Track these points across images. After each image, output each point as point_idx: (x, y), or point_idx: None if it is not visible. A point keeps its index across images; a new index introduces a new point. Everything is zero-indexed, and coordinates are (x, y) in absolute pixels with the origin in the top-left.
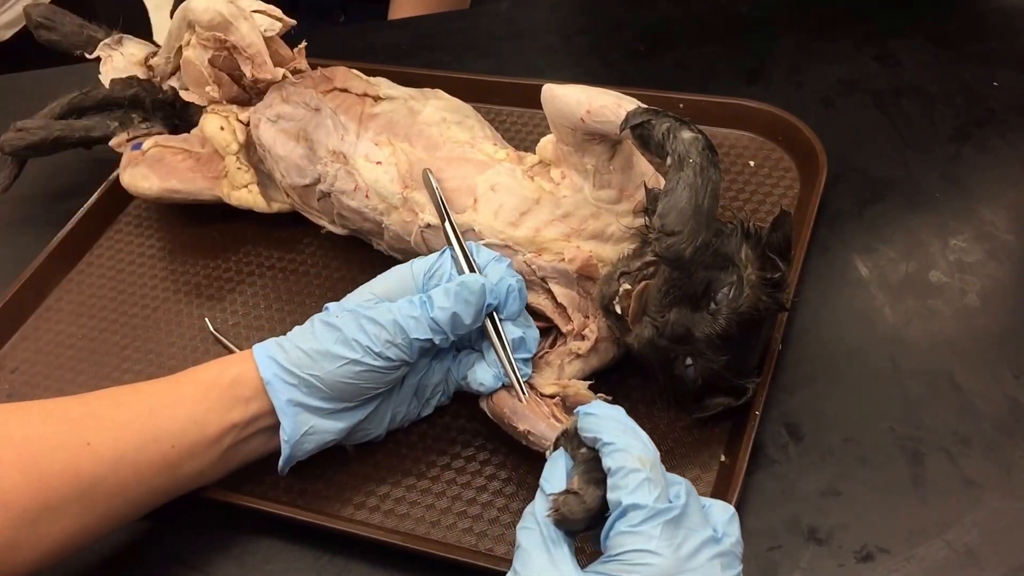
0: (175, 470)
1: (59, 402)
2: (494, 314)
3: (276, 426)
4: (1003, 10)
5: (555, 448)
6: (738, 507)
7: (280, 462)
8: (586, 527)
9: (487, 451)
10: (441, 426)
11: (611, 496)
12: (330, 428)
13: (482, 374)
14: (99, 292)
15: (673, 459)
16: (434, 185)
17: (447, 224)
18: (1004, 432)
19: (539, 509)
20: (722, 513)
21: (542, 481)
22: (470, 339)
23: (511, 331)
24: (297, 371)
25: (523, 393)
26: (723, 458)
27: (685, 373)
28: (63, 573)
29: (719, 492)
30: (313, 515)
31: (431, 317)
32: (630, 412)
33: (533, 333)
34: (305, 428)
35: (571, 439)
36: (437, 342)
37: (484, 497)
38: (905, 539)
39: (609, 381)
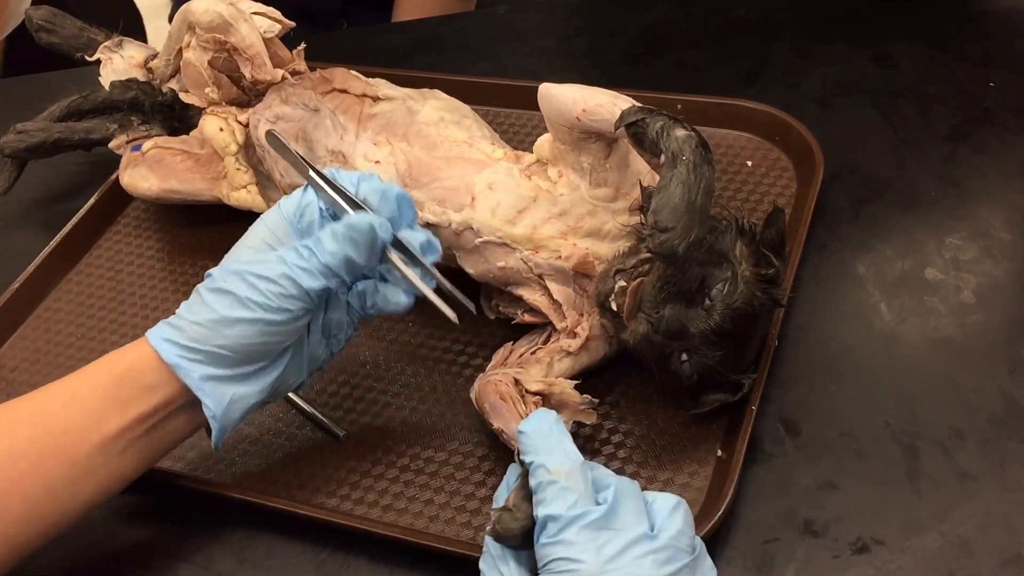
0: (76, 464)
1: None
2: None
3: (192, 404)
4: (999, 12)
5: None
6: (735, 501)
7: (212, 438)
8: (526, 543)
9: (485, 446)
10: (440, 421)
11: (535, 512)
12: (251, 391)
13: (392, 294)
14: (98, 292)
15: (670, 455)
16: (284, 141)
17: (310, 172)
18: (998, 426)
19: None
20: (664, 507)
21: (494, 497)
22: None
23: (414, 237)
24: (199, 346)
25: (449, 309)
26: (720, 453)
27: (681, 369)
28: (61, 568)
29: (716, 486)
30: (313, 510)
31: (323, 263)
32: (627, 409)
33: (429, 235)
34: (227, 399)
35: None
36: (334, 287)
37: (482, 492)
38: (900, 531)
39: (605, 378)
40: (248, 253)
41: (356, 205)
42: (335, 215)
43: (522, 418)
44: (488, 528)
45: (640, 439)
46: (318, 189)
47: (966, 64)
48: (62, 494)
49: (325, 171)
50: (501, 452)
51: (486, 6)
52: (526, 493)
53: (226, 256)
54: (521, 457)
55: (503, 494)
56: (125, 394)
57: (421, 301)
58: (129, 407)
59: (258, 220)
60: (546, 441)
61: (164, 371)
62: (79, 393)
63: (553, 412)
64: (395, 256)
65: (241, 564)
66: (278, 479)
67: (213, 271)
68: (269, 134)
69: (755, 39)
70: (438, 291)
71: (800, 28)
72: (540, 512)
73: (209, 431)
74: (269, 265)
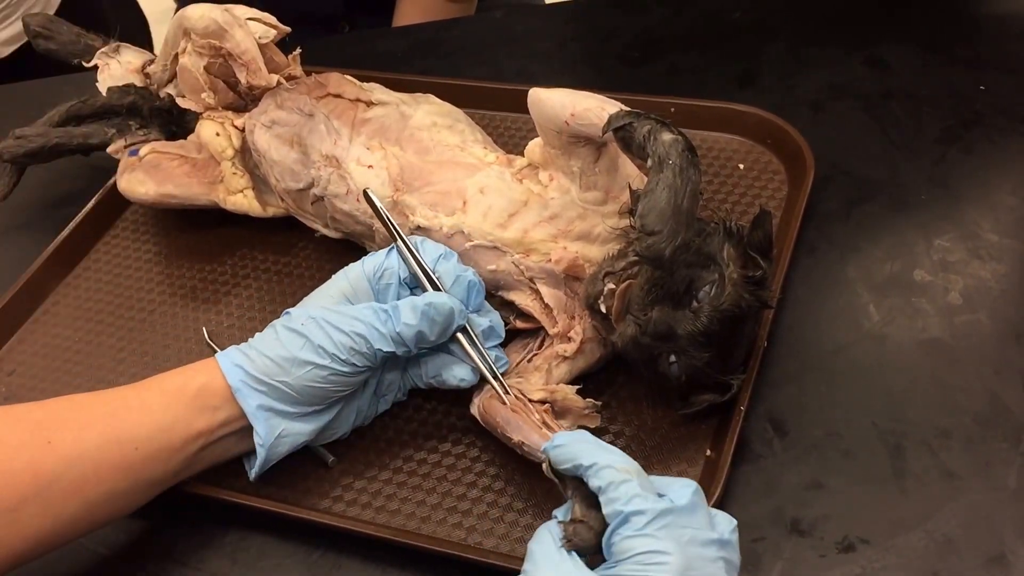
0: (137, 473)
1: (22, 407)
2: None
3: (244, 430)
4: (991, 15)
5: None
6: (723, 500)
7: (255, 467)
8: (598, 549)
9: (477, 447)
10: (432, 423)
11: (607, 510)
12: (301, 430)
13: (459, 371)
14: (96, 296)
15: (660, 454)
16: (378, 205)
17: (399, 241)
18: (984, 425)
19: (555, 532)
20: (726, 522)
21: (555, 512)
22: None
23: (478, 323)
24: (265, 378)
25: (504, 393)
26: (709, 453)
27: (669, 370)
28: (54, 571)
29: (705, 486)
30: (305, 511)
31: (396, 331)
32: (618, 410)
33: (496, 317)
34: (278, 431)
35: (554, 474)
36: (400, 354)
37: (474, 492)
38: (886, 530)
39: (596, 379)
40: (327, 300)
41: (430, 279)
42: (409, 284)
43: (538, 428)
44: (561, 541)
45: (630, 439)
46: (403, 257)
47: (957, 67)
48: (117, 502)
49: (412, 240)
50: (491, 454)
51: (484, 10)
52: (590, 502)
53: (305, 299)
54: (568, 465)
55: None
56: (194, 413)
57: None
58: (194, 424)
59: (340, 272)
60: (595, 445)
61: (228, 394)
62: (151, 407)
63: (578, 428)
64: (463, 337)
65: (233, 565)
66: (271, 480)
67: (292, 311)
68: (366, 194)
69: (749, 43)
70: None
71: (793, 32)
72: (619, 508)
73: (250, 463)
74: (345, 319)
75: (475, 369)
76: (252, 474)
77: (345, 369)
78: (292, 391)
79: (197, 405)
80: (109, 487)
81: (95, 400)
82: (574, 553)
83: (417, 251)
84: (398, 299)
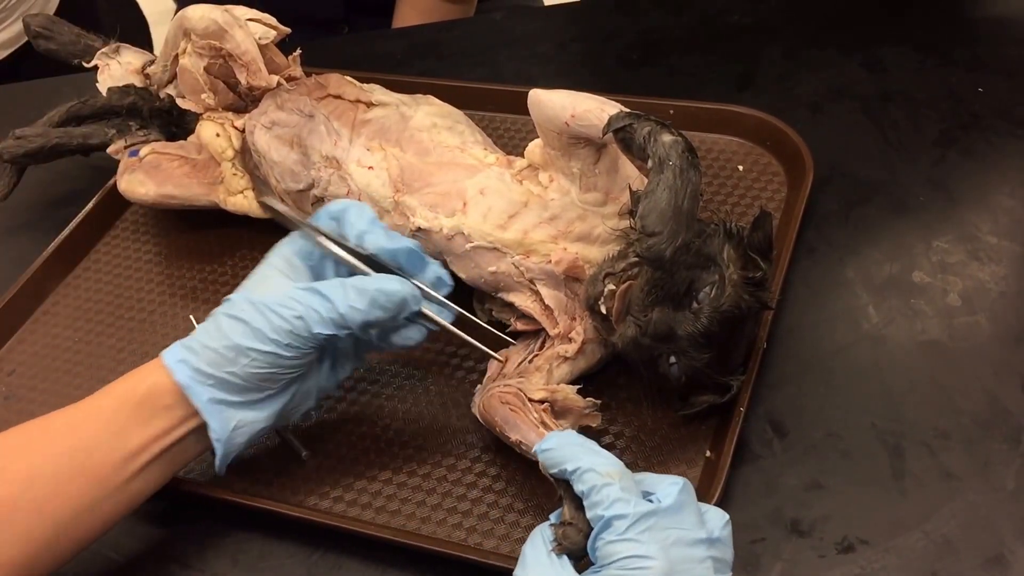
0: (101, 483)
1: None
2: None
3: (204, 426)
4: (988, 18)
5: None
6: (723, 501)
7: (216, 462)
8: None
9: (477, 448)
10: (433, 423)
11: (591, 514)
12: (256, 418)
13: (409, 332)
14: (96, 296)
15: (660, 455)
16: (281, 210)
17: (318, 238)
18: (982, 427)
19: (547, 535)
20: (717, 518)
21: (551, 514)
22: None
23: (424, 280)
24: (212, 370)
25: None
26: (709, 453)
27: (669, 371)
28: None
29: (704, 487)
30: (305, 511)
31: (340, 314)
32: (617, 411)
33: (436, 266)
34: (233, 423)
35: (549, 476)
36: (342, 336)
37: (474, 493)
38: (885, 530)
39: (596, 380)
40: (266, 282)
41: (364, 260)
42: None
43: (536, 428)
44: (552, 545)
45: (630, 440)
46: (329, 251)
47: (955, 69)
48: (87, 515)
49: (330, 210)
50: (491, 455)
51: (484, 12)
52: (579, 504)
53: (244, 282)
54: (555, 469)
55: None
56: (146, 414)
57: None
58: (149, 426)
59: (274, 250)
60: (581, 448)
61: (178, 393)
62: (103, 413)
63: (569, 429)
64: (426, 308)
65: (234, 566)
66: (272, 481)
67: (232, 296)
68: (262, 204)
69: (748, 45)
70: (460, 324)
71: (792, 34)
72: (600, 512)
73: (214, 453)
74: (286, 302)
75: (421, 329)
76: (217, 468)
77: (288, 354)
78: (240, 380)
79: (148, 406)
80: (75, 502)
81: (48, 419)
82: (565, 556)
83: (339, 236)
84: (336, 274)
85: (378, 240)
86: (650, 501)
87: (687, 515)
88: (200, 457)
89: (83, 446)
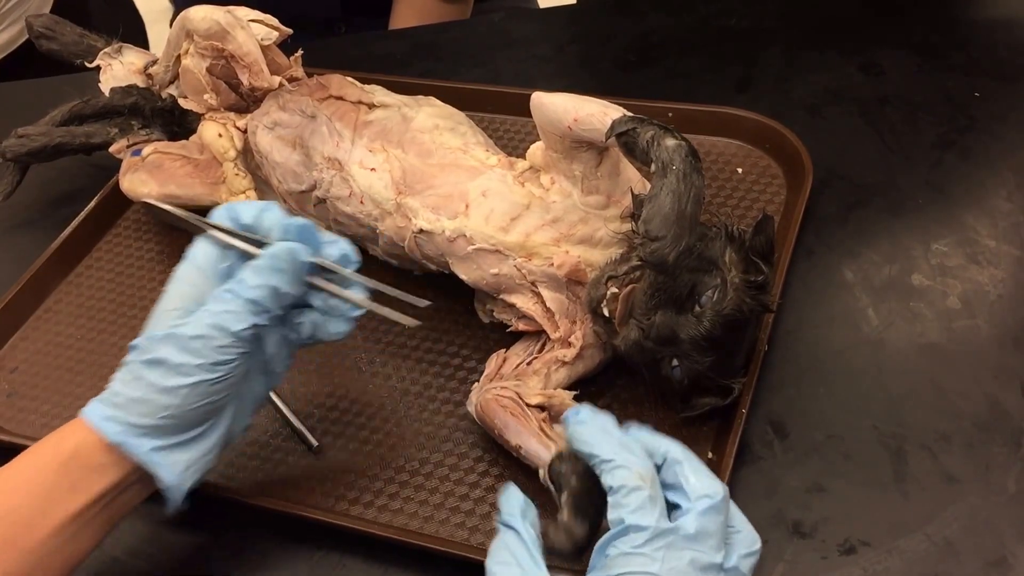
0: (34, 552)
1: None
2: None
3: (146, 476)
4: (985, 22)
5: (551, 471)
6: None
7: (169, 506)
8: (571, 558)
9: (479, 448)
10: (434, 423)
11: (612, 515)
12: (201, 452)
13: (334, 326)
14: (98, 294)
15: None
16: (169, 209)
17: (210, 230)
18: (983, 429)
19: (510, 542)
20: (746, 543)
21: (504, 515)
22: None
23: (328, 255)
24: (145, 420)
25: (401, 317)
26: (710, 455)
27: (672, 374)
28: None
29: None
30: (308, 511)
31: (248, 299)
32: (618, 412)
33: (342, 242)
34: (182, 466)
35: (566, 459)
36: (263, 322)
37: (476, 493)
38: (887, 532)
39: (597, 382)
40: (171, 316)
41: (257, 243)
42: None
43: (537, 434)
44: (540, 539)
45: None
46: (223, 244)
47: (953, 73)
48: None
49: (216, 213)
50: (493, 455)
51: (482, 14)
52: (582, 511)
53: (147, 323)
54: (585, 448)
55: (511, 506)
56: (75, 478)
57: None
58: (79, 490)
59: (175, 277)
60: (615, 440)
61: (111, 451)
62: (27, 480)
63: (603, 411)
64: (324, 283)
65: (237, 565)
66: (273, 479)
67: (138, 342)
68: (146, 205)
69: (746, 47)
70: (382, 298)
71: (790, 37)
72: (622, 516)
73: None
74: (196, 323)
75: (347, 318)
76: (170, 512)
77: (217, 375)
78: (176, 421)
79: (75, 467)
80: (11, 568)
81: None
82: (538, 555)
83: (229, 223)
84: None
85: (275, 216)
86: (677, 504)
87: (709, 537)
88: None
89: (9, 517)
